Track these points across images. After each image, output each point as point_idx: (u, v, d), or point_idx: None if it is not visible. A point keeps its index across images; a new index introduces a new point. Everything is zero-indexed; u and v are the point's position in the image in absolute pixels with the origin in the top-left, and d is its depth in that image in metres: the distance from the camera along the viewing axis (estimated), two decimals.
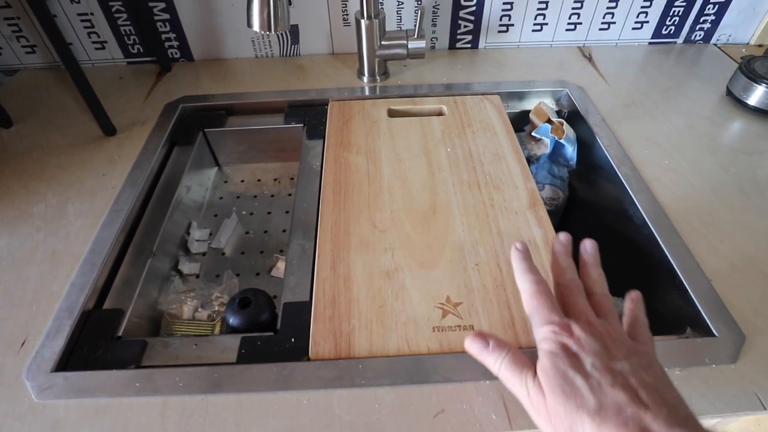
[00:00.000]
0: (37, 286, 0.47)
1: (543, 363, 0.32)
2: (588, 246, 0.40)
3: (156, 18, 0.75)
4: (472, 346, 0.35)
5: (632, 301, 0.38)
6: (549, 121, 0.66)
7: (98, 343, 0.44)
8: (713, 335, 0.42)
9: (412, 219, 0.51)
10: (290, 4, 0.53)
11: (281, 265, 0.60)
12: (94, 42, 0.77)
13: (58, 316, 0.45)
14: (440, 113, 0.67)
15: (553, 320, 0.33)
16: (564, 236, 0.40)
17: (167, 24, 0.76)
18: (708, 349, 0.41)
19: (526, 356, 0.34)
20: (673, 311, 0.48)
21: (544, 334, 0.33)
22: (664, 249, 0.49)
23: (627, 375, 0.30)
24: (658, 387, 0.30)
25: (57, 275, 0.48)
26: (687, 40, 0.83)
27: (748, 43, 0.83)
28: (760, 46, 0.83)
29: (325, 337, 0.41)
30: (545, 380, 0.31)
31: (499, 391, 0.39)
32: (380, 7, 0.68)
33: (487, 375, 0.39)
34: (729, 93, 0.69)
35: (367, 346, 0.41)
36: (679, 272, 0.47)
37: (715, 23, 0.80)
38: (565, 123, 0.65)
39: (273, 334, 0.44)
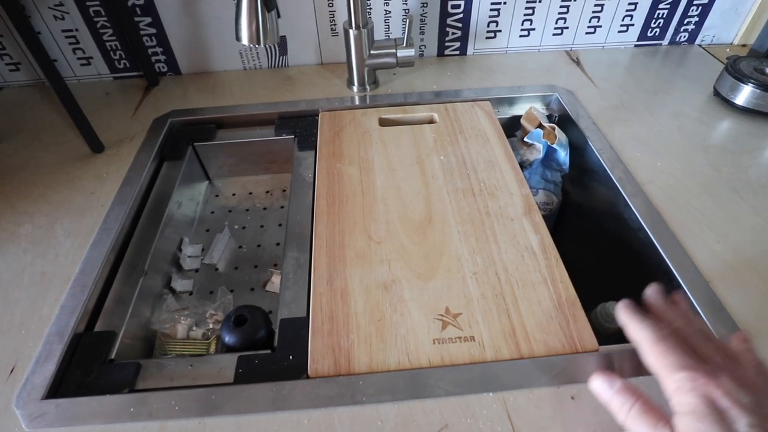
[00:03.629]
0: (26, 310, 0.46)
1: (686, 422, 0.27)
2: (677, 297, 0.37)
3: (142, 32, 0.74)
4: (596, 384, 0.33)
5: (745, 342, 0.33)
6: (540, 126, 0.66)
7: (90, 367, 0.43)
8: None
9: (408, 229, 0.50)
10: (279, 16, 0.52)
11: (276, 280, 0.59)
12: (79, 58, 0.76)
13: (48, 341, 0.43)
14: (431, 121, 0.67)
15: (690, 365, 0.29)
16: (656, 288, 0.37)
17: (153, 38, 0.75)
18: None
19: (658, 409, 0.30)
20: None
21: (680, 384, 0.28)
22: (661, 251, 0.49)
23: None
24: None
25: (46, 298, 0.47)
26: (672, 42, 0.84)
27: (731, 43, 0.85)
28: (743, 45, 0.84)
29: (323, 353, 0.41)
30: None
31: (504, 403, 0.38)
32: (368, 16, 0.68)
33: (490, 387, 0.39)
34: (716, 93, 0.70)
35: (367, 361, 0.40)
36: (677, 274, 0.47)
37: (699, 24, 0.81)
38: (557, 128, 0.65)
39: (270, 351, 0.43)
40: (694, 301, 0.45)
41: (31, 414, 0.38)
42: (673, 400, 0.29)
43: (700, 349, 0.31)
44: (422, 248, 0.49)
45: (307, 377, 0.40)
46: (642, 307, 0.37)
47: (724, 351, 0.31)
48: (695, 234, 0.51)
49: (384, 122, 0.66)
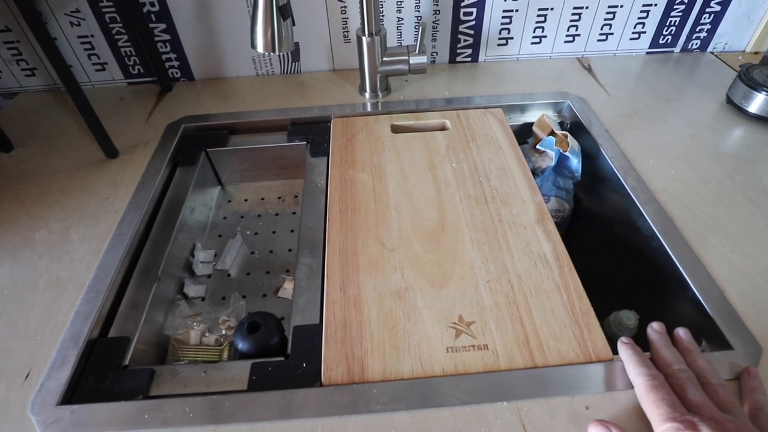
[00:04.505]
0: (41, 316, 0.46)
1: None
2: (682, 333, 0.39)
3: (156, 39, 0.75)
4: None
5: (753, 378, 0.36)
6: (552, 133, 0.66)
7: (105, 373, 0.43)
8: (730, 348, 0.42)
9: (421, 237, 0.50)
10: (294, 24, 0.53)
11: (288, 286, 0.59)
12: (94, 63, 0.77)
13: (63, 346, 0.44)
14: (444, 128, 0.67)
15: (676, 417, 0.31)
16: (658, 325, 0.39)
17: (168, 44, 0.76)
18: (725, 362, 0.41)
19: None
20: (686, 324, 0.47)
21: None
22: (675, 260, 0.49)
23: None
24: None
25: (61, 304, 0.47)
26: (684, 49, 0.84)
27: (744, 51, 0.84)
28: (756, 53, 0.83)
29: (337, 361, 0.41)
30: None
31: (518, 413, 0.38)
32: (381, 23, 0.68)
33: (504, 396, 0.38)
34: (729, 101, 0.69)
35: (381, 369, 0.40)
36: (691, 284, 0.47)
37: (711, 32, 0.81)
38: (569, 135, 0.65)
39: (284, 359, 0.43)
40: (710, 311, 0.44)
41: (46, 420, 0.39)
42: None
43: (690, 399, 0.33)
44: (435, 256, 0.48)
45: (321, 385, 0.40)
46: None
47: (717, 398, 0.34)
48: (709, 243, 0.50)
49: (396, 129, 0.66)
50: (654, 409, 0.33)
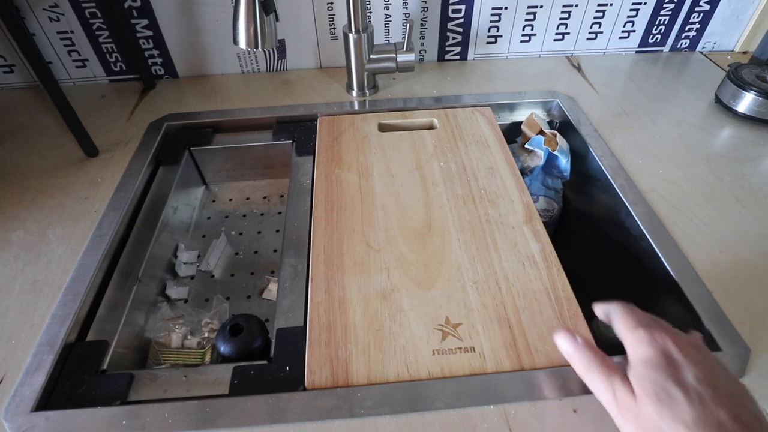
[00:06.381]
0: (16, 319, 0.45)
1: (639, 370, 0.31)
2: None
3: (139, 35, 0.73)
4: (560, 341, 0.36)
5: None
6: (541, 132, 0.65)
7: (81, 378, 0.41)
8: (718, 349, 0.42)
9: (407, 237, 0.50)
10: (278, 20, 0.52)
11: (273, 287, 0.58)
12: (74, 60, 0.75)
13: (38, 351, 0.42)
14: (431, 126, 0.66)
15: (650, 325, 0.33)
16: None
17: (150, 41, 0.74)
18: None
19: (612, 361, 0.34)
20: (675, 325, 0.47)
21: (640, 337, 0.32)
22: (663, 260, 0.49)
23: (730, 394, 0.29)
24: (757, 415, 0.29)
25: (37, 307, 0.46)
26: (673, 48, 0.84)
27: (732, 50, 0.84)
28: (744, 53, 0.84)
29: (321, 364, 0.40)
30: (640, 386, 0.31)
31: (505, 417, 0.37)
32: (368, 20, 0.67)
33: (490, 400, 0.38)
34: (718, 100, 0.69)
35: (366, 372, 0.39)
36: (679, 283, 0.46)
37: (701, 31, 0.81)
38: (558, 134, 0.64)
39: (266, 362, 0.42)
40: (698, 312, 0.44)
41: (20, 427, 0.37)
42: (631, 353, 0.33)
43: (662, 327, 0.34)
44: (422, 256, 0.48)
45: (304, 389, 0.39)
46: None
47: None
48: (697, 243, 0.50)
49: (383, 127, 0.65)
50: (629, 318, 0.34)
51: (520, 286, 0.45)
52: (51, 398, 0.40)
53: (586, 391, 0.37)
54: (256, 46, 0.51)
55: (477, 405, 0.38)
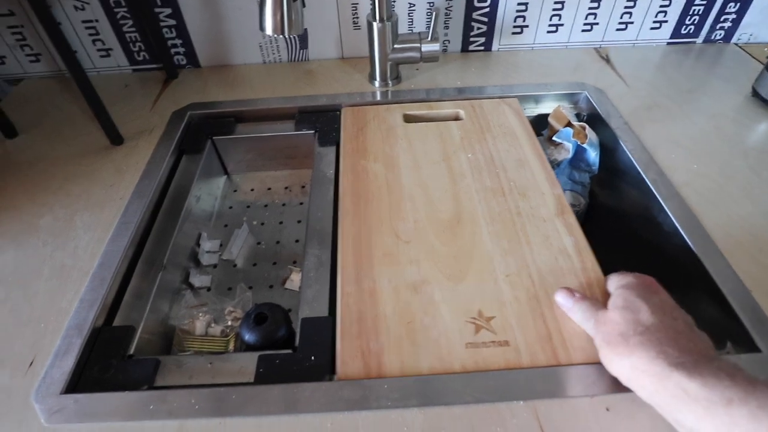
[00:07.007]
0: (45, 303, 0.45)
1: (616, 292, 0.39)
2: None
3: (162, 24, 0.73)
4: (559, 297, 0.41)
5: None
6: (570, 124, 0.64)
7: (109, 362, 0.42)
8: (758, 350, 0.40)
9: (437, 229, 0.49)
10: (304, 5, 0.51)
11: (296, 277, 0.58)
12: (99, 49, 0.76)
13: (67, 334, 0.42)
14: (457, 117, 0.65)
15: (629, 284, 0.39)
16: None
17: (173, 30, 0.74)
18: (753, 365, 0.39)
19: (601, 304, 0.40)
20: (710, 325, 0.45)
21: (625, 274, 0.41)
22: (699, 257, 0.47)
23: (686, 325, 0.36)
24: (702, 351, 0.34)
25: (65, 291, 0.46)
26: (707, 40, 0.81)
27: None
28: None
29: (353, 356, 0.39)
30: (612, 301, 0.38)
31: (535, 413, 0.36)
32: (392, 9, 0.66)
33: (520, 395, 0.37)
34: (755, 94, 0.67)
35: (399, 365, 0.38)
36: (717, 282, 0.45)
37: (736, 22, 0.78)
38: (587, 126, 0.63)
39: (291, 352, 0.42)
40: (737, 311, 0.42)
41: (50, 408, 0.38)
42: (614, 284, 0.40)
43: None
44: (451, 249, 0.47)
45: (330, 379, 0.39)
46: None
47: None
48: (736, 241, 0.48)
49: (409, 118, 0.64)
50: (619, 278, 0.41)
51: (553, 280, 0.44)
52: (80, 381, 0.40)
53: (619, 389, 0.37)
54: (283, 32, 0.50)
55: (507, 400, 0.37)
